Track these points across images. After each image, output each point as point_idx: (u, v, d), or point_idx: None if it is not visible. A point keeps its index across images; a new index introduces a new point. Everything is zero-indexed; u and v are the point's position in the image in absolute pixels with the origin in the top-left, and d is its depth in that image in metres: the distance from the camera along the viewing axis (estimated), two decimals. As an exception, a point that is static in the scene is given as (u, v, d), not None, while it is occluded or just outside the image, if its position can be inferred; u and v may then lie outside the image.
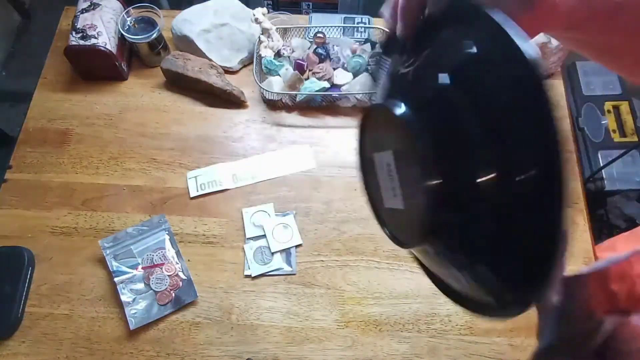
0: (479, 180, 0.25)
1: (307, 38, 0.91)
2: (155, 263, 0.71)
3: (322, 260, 0.74)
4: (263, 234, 0.75)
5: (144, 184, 0.79)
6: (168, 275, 0.70)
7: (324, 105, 0.87)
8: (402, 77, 0.32)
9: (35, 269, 0.72)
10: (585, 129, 1.31)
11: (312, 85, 0.83)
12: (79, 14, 0.83)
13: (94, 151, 0.82)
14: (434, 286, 0.36)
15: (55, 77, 0.88)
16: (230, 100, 0.86)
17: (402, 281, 0.72)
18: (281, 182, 0.80)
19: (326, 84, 0.84)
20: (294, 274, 0.73)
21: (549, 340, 0.31)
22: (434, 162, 0.26)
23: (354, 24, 0.93)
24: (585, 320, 0.30)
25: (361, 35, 0.92)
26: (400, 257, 0.74)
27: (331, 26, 0.90)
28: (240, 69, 0.91)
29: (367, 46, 0.88)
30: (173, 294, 0.69)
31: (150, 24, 0.85)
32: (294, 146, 0.83)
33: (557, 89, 0.90)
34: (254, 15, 0.85)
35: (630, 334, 0.29)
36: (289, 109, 0.87)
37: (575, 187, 0.80)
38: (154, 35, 0.84)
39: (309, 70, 0.87)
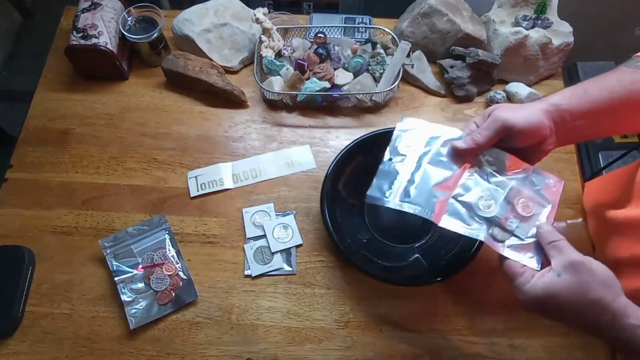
0: None
1: (308, 38, 0.91)
2: (156, 263, 0.71)
3: (322, 260, 0.74)
4: (263, 234, 0.75)
5: (145, 184, 0.79)
6: (168, 275, 0.70)
7: (324, 106, 0.87)
8: None
9: (35, 268, 0.72)
10: (586, 130, 1.30)
11: (312, 86, 0.83)
12: (79, 13, 0.83)
13: (95, 151, 0.82)
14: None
15: (56, 77, 0.88)
16: (230, 100, 0.86)
17: (402, 281, 0.72)
18: (281, 182, 0.80)
19: (327, 84, 0.84)
20: (294, 274, 0.73)
21: None
22: None
23: (354, 24, 0.93)
24: None
25: (362, 36, 0.92)
26: (400, 257, 0.73)
27: (332, 26, 0.90)
28: (241, 68, 0.91)
29: (368, 46, 0.88)
30: (173, 294, 0.69)
31: (151, 23, 0.85)
32: (294, 146, 0.83)
33: (557, 89, 0.90)
34: (255, 15, 0.85)
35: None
36: (289, 109, 0.87)
37: (575, 188, 0.80)
38: (155, 35, 0.84)
39: (310, 70, 0.87)
